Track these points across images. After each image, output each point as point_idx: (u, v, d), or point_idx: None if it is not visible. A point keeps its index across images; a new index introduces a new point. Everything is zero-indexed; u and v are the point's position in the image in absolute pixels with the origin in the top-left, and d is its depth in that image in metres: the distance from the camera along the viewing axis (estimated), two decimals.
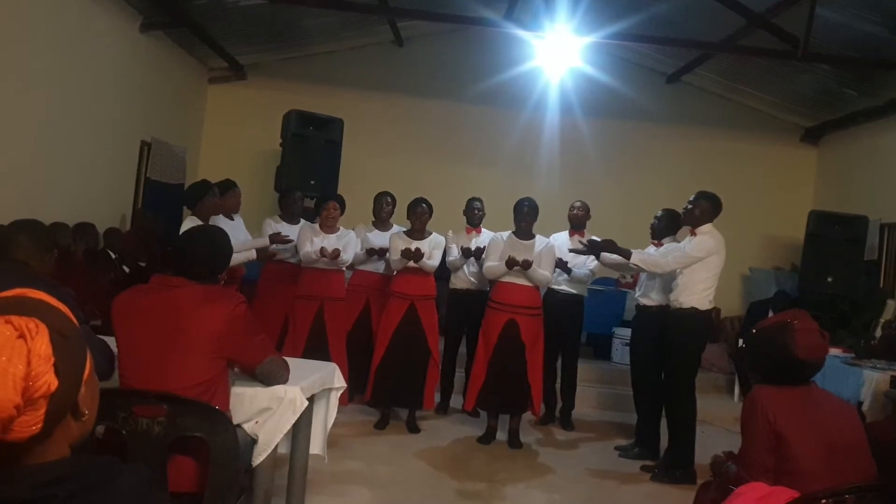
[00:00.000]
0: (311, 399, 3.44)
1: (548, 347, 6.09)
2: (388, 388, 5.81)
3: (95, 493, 1.15)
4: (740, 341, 6.19)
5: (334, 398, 3.62)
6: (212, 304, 2.75)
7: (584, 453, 5.88)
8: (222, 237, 3.01)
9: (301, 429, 3.50)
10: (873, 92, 8.11)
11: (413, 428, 5.87)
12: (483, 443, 5.73)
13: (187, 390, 2.65)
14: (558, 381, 6.60)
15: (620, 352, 7.77)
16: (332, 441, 5.12)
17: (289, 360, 3.33)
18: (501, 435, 5.82)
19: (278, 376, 2.98)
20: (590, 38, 7.48)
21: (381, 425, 5.85)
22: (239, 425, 2.94)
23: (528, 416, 6.02)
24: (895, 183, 8.10)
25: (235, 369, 2.96)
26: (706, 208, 5.33)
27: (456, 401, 6.41)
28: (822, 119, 9.44)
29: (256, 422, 2.98)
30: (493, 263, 5.76)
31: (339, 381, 3.63)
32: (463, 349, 6.57)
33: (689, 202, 5.41)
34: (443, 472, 4.97)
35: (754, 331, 2.97)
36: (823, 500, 2.62)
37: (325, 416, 3.62)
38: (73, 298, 2.68)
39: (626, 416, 6.37)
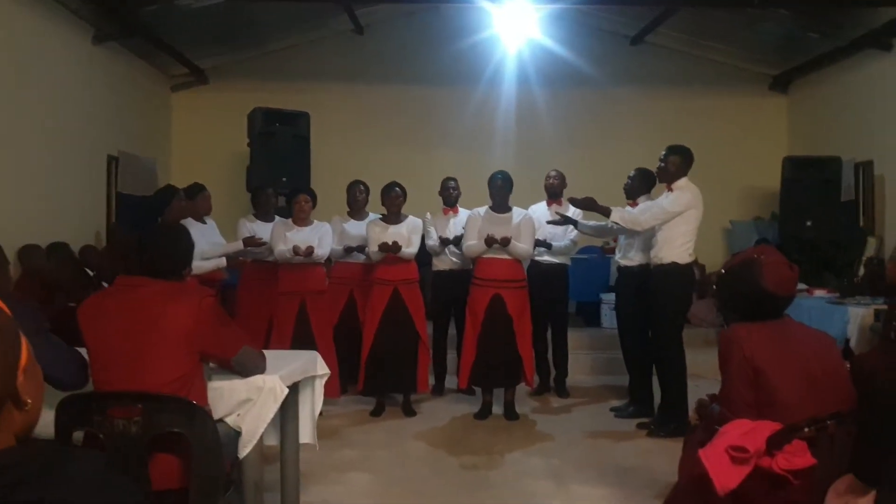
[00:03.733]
0: (295, 388, 3.46)
1: (536, 318, 6.12)
2: (381, 375, 5.81)
3: (43, 480, 1.14)
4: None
5: (319, 386, 3.62)
6: (178, 299, 2.75)
7: (581, 417, 5.91)
8: (182, 234, 3.01)
9: (289, 419, 3.51)
10: (835, 33, 8.12)
11: (409, 412, 5.88)
12: (480, 418, 5.75)
13: (162, 387, 2.65)
14: (550, 350, 6.62)
15: (609, 317, 7.79)
16: (328, 432, 5.20)
17: (268, 351, 3.35)
18: (498, 409, 5.84)
19: (255, 366, 2.98)
20: (549, 7, 7.47)
21: (376, 413, 5.86)
22: (221, 419, 2.95)
23: (523, 387, 6.05)
24: (865, 121, 8.12)
25: (211, 364, 2.96)
26: (678, 162, 5.36)
27: (451, 381, 6.42)
28: (788, 66, 9.44)
29: (238, 414, 2.98)
30: (472, 242, 5.77)
31: (323, 369, 3.63)
32: (453, 330, 6.59)
33: (660, 159, 5.44)
34: (441, 450, 4.99)
35: (723, 270, 2.98)
36: (806, 430, 2.64)
37: (312, 405, 3.61)
38: (33, 308, 2.66)
39: (620, 379, 6.40)
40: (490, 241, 5.59)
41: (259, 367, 3.00)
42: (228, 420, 2.98)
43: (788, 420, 2.65)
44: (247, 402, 2.99)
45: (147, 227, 3.38)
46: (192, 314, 2.73)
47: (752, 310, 2.83)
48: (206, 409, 2.74)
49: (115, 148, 7.82)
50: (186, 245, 2.99)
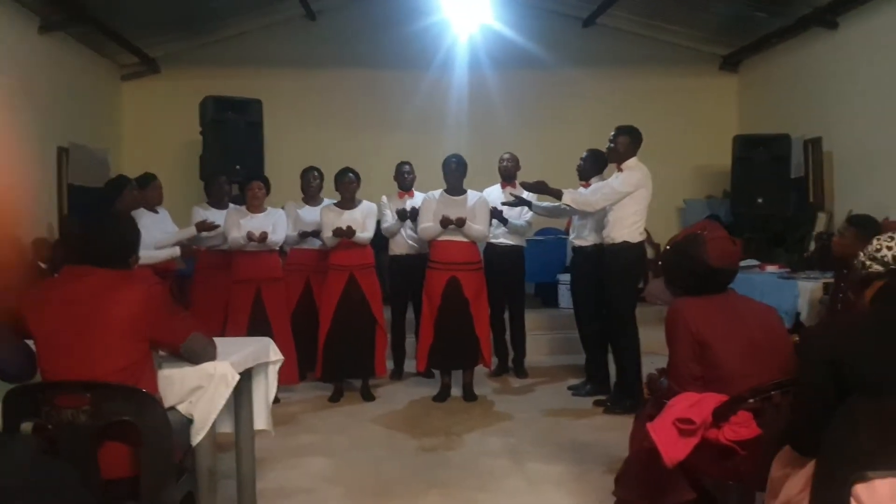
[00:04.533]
0: (249, 375, 3.44)
1: (493, 300, 6.17)
2: (338, 360, 5.81)
3: None
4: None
5: (273, 372, 3.60)
6: (125, 287, 2.72)
7: (539, 396, 5.98)
8: (127, 221, 2.97)
9: (242, 405, 3.49)
10: (782, 11, 8.23)
11: (368, 396, 5.89)
12: (438, 400, 5.78)
13: (110, 376, 2.62)
14: (508, 332, 6.67)
15: (566, 297, 7.86)
16: (285, 418, 5.19)
17: (221, 338, 3.33)
18: (457, 391, 5.88)
19: (205, 353, 2.96)
20: None
21: (335, 398, 5.85)
22: (173, 407, 2.92)
23: (482, 369, 6.10)
24: (813, 99, 8.25)
25: (161, 352, 2.93)
26: (626, 143, 5.42)
27: (410, 366, 6.45)
28: (738, 45, 9.55)
29: (190, 401, 2.96)
30: (427, 224, 5.77)
31: (276, 355, 3.61)
32: (411, 315, 6.61)
33: (610, 139, 5.49)
34: (400, 433, 5.01)
35: (668, 246, 3.03)
36: (751, 401, 2.70)
37: (266, 391, 3.59)
38: None
39: (577, 358, 6.46)
40: (445, 223, 5.61)
41: (209, 354, 2.98)
42: (180, 408, 2.95)
43: (734, 392, 2.71)
44: (198, 390, 2.96)
45: (91, 215, 3.32)
46: (140, 302, 2.71)
47: (696, 284, 2.89)
48: (155, 397, 2.71)
49: (65, 139, 7.66)
50: (132, 232, 2.95)
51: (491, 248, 6.40)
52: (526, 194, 6.08)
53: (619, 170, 5.46)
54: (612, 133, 5.50)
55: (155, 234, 5.48)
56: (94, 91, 8.69)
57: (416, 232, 6.32)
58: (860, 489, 1.96)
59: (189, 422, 2.95)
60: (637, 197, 5.35)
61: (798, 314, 5.79)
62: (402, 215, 6.23)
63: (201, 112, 7.87)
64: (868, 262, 2.34)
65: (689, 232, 2.97)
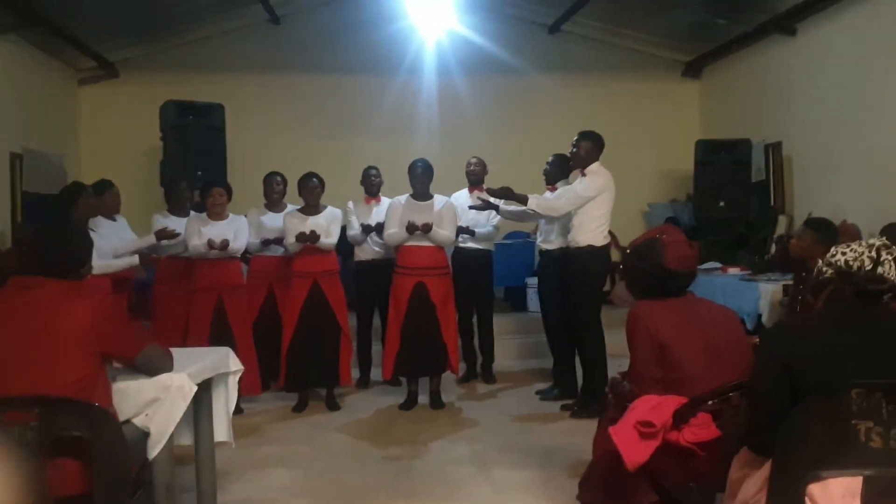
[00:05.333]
0: (207, 385, 3.39)
1: (461, 305, 6.18)
2: (302, 369, 5.74)
3: None
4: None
5: (232, 382, 3.56)
6: (76, 298, 2.67)
7: (507, 402, 5.98)
8: (79, 230, 2.93)
9: (202, 417, 3.44)
10: (742, 18, 8.35)
11: (333, 405, 5.83)
12: (405, 409, 5.74)
13: (62, 390, 2.55)
14: (476, 337, 6.66)
15: (535, 301, 7.83)
16: (248, 429, 5.13)
17: (179, 349, 3.28)
18: (424, 398, 5.84)
19: (160, 364, 2.91)
20: None
21: (299, 408, 5.79)
22: (128, 420, 2.87)
23: (450, 375, 6.07)
24: (773, 104, 8.38)
25: (116, 364, 2.88)
26: (589, 147, 5.46)
27: (376, 374, 6.39)
28: (699, 52, 9.67)
29: (146, 414, 2.90)
30: (393, 230, 5.75)
31: (236, 365, 3.57)
32: (377, 322, 6.57)
33: (573, 144, 5.53)
34: (365, 442, 4.97)
35: (628, 250, 3.05)
36: (710, 402, 2.72)
37: (226, 402, 3.55)
38: None
39: (546, 362, 6.48)
40: (411, 228, 5.59)
41: (165, 366, 2.93)
42: (136, 421, 2.90)
43: (694, 394, 2.73)
44: (154, 402, 2.91)
45: (42, 223, 3.26)
46: (91, 313, 2.65)
47: (656, 287, 2.90)
48: (108, 411, 2.65)
49: (18, 145, 7.52)
50: (83, 241, 2.89)
51: (459, 252, 6.40)
52: (493, 200, 6.09)
53: (583, 174, 5.50)
54: (575, 138, 5.54)
55: (113, 242, 5.39)
56: (50, 96, 8.55)
57: (382, 238, 6.30)
58: (814, 488, 1.99)
59: (145, 435, 2.89)
60: (600, 201, 5.38)
61: (759, 316, 5.85)
62: (368, 230, 6.23)
63: (162, 117, 7.77)
64: (825, 269, 2.37)
65: (647, 236, 2.99)
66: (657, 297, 2.89)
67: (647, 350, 2.81)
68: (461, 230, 6.16)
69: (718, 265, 7.09)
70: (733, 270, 6.85)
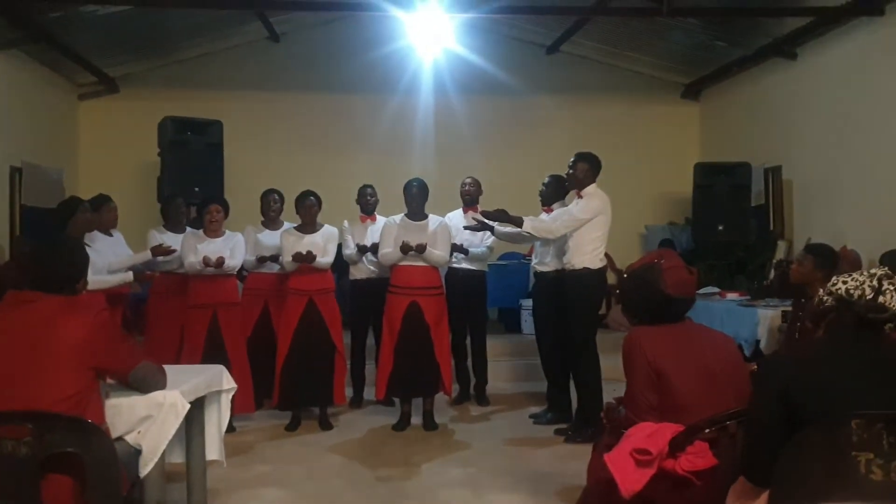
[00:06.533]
0: (200, 403, 3.39)
1: (455, 326, 6.17)
2: (296, 388, 5.73)
3: None
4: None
5: (225, 400, 3.58)
6: (71, 314, 2.68)
7: (500, 425, 5.96)
8: (76, 245, 2.94)
9: (194, 435, 3.45)
10: (742, 42, 8.42)
11: (326, 425, 5.81)
12: (398, 429, 5.73)
13: (55, 405, 2.56)
14: (469, 358, 6.66)
15: (529, 323, 7.84)
16: (241, 448, 5.11)
17: (172, 366, 3.28)
18: (417, 419, 5.83)
19: (154, 381, 2.92)
20: (462, 16, 7.54)
21: (292, 427, 5.77)
22: (120, 437, 2.89)
23: (444, 397, 6.06)
24: (773, 128, 8.43)
25: (108, 380, 2.88)
26: (585, 169, 5.47)
27: (369, 393, 6.38)
28: (699, 74, 9.73)
29: (139, 431, 2.92)
30: (387, 250, 5.76)
31: (229, 383, 3.59)
32: (372, 341, 6.56)
33: (569, 166, 5.55)
34: (357, 463, 4.95)
35: (625, 275, 3.05)
36: (707, 430, 2.72)
37: (219, 420, 3.57)
38: None
39: (540, 385, 6.45)
40: (405, 249, 5.60)
41: (159, 383, 2.94)
42: (128, 438, 2.92)
43: (690, 421, 2.72)
44: (147, 419, 2.93)
45: (39, 238, 3.28)
46: (87, 328, 2.67)
47: (653, 313, 2.91)
48: (101, 427, 2.66)
49: (18, 159, 7.54)
50: (79, 257, 2.90)
51: (453, 272, 6.40)
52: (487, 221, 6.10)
53: (579, 196, 5.51)
54: (572, 159, 5.56)
55: (108, 257, 5.40)
56: (49, 110, 8.59)
57: (376, 256, 6.31)
58: None
59: (137, 452, 2.91)
60: (597, 223, 5.39)
61: (758, 342, 5.86)
62: (363, 250, 6.25)
63: (160, 133, 7.81)
64: (825, 297, 2.38)
65: (645, 261, 3.00)
66: (654, 323, 2.90)
67: (644, 376, 2.81)
68: (455, 248, 6.17)
69: (717, 290, 7.11)
70: (731, 295, 6.87)
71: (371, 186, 6.59)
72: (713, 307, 6.55)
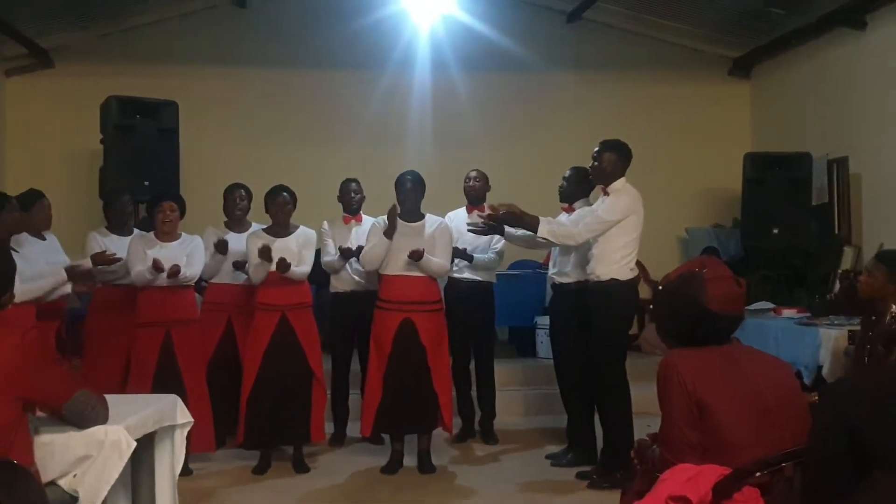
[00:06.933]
0: (150, 441, 3.40)
1: (456, 348, 6.19)
2: (265, 422, 5.73)
3: None
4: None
5: (180, 437, 3.59)
6: None
7: (511, 467, 5.97)
8: (1, 252, 2.92)
9: (142, 479, 3.46)
10: (802, 8, 8.43)
11: (301, 467, 5.82)
12: (388, 472, 5.73)
13: None
14: (473, 387, 6.66)
15: (545, 345, 7.86)
16: (200, 495, 5.12)
17: (116, 396, 3.28)
18: (410, 460, 5.83)
19: (94, 415, 2.93)
20: None
21: (260, 469, 5.77)
22: (53, 482, 2.89)
23: (442, 433, 6.06)
24: (839, 112, 8.43)
25: (38, 413, 2.89)
26: (613, 160, 5.46)
27: (354, 429, 6.38)
28: (750, 47, 9.76)
29: (74, 475, 2.93)
30: (371, 244, 5.79)
31: (185, 416, 3.60)
32: (356, 365, 6.57)
33: (593, 157, 5.54)
34: None
35: (660, 287, 3.05)
36: (757, 474, 2.71)
37: (172, 462, 3.57)
38: None
39: (558, 420, 6.48)
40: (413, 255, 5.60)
41: (99, 416, 2.95)
42: (62, 482, 2.93)
43: (738, 463, 2.72)
44: (85, 460, 2.94)
45: None
46: (12, 351, 2.67)
47: (693, 333, 2.90)
48: (28, 470, 2.67)
49: None
50: (4, 265, 2.90)
51: (453, 283, 6.41)
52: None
53: (605, 193, 5.51)
54: (596, 149, 5.55)
55: (40, 265, 5.38)
56: None
57: (361, 264, 6.32)
58: None
59: (74, 499, 2.92)
60: (626, 226, 5.38)
61: (820, 367, 5.86)
62: (348, 254, 6.25)
63: (103, 115, 7.82)
64: None
65: (684, 270, 2.99)
66: (695, 345, 2.89)
67: (683, 409, 2.80)
68: (457, 253, 6.17)
69: (770, 306, 7.10)
70: (788, 312, 6.86)
71: (356, 181, 6.61)
72: (766, 326, 6.55)
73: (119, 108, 7.75)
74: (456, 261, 6.24)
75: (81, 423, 2.91)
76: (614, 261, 5.35)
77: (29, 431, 2.79)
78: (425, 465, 5.77)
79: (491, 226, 5.86)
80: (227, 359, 6.06)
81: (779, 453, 2.69)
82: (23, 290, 4.44)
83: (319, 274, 6.43)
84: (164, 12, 9.35)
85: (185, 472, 4.13)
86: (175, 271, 5.53)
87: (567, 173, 6.11)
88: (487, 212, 5.94)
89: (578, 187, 6.00)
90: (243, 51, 9.47)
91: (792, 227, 8.10)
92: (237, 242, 6.08)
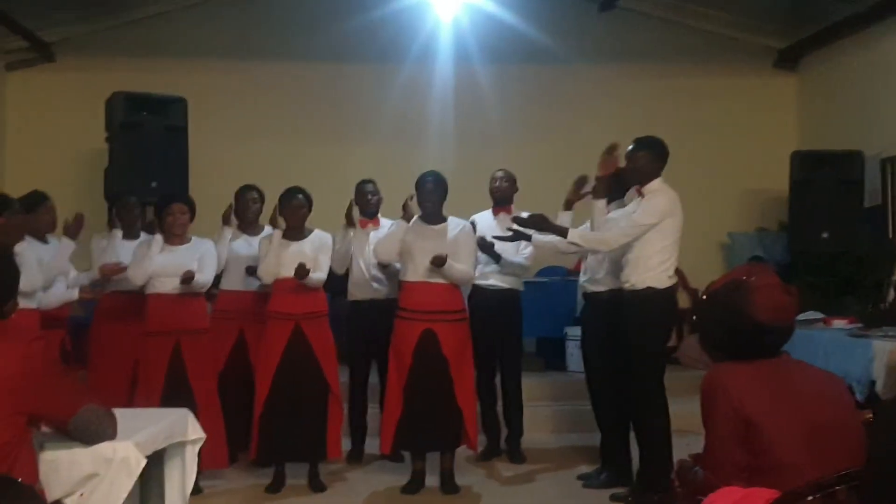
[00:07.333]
0: (160, 458, 3.42)
1: (480, 361, 6.18)
2: (279, 438, 5.76)
3: None
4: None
5: (191, 454, 3.60)
6: None
7: (540, 488, 5.96)
8: (4, 257, 2.95)
9: (151, 498, 3.47)
10: None
11: (317, 486, 5.84)
12: (409, 492, 5.74)
13: None
14: (499, 402, 6.65)
15: (576, 357, 7.85)
16: None
17: (124, 410, 3.30)
18: (433, 480, 5.84)
19: (101, 430, 2.94)
20: None
21: (274, 487, 5.80)
22: (58, 501, 2.90)
23: (466, 451, 6.07)
24: (893, 106, 8.35)
25: (43, 428, 2.91)
26: (648, 159, 5.44)
27: (372, 446, 6.40)
28: (797, 37, 9.70)
29: (81, 494, 2.94)
30: (385, 237, 5.88)
31: (196, 432, 3.61)
32: (375, 379, 6.59)
33: (627, 156, 5.52)
34: None
35: (704, 296, 3.04)
36: (810, 497, 2.70)
37: (183, 479, 3.58)
38: None
39: (590, 437, 6.47)
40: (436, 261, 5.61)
41: (107, 432, 2.96)
42: (68, 501, 2.94)
43: (788, 485, 2.70)
44: (93, 478, 2.95)
45: None
46: (16, 363, 2.69)
47: (739, 345, 2.89)
48: (33, 488, 2.67)
49: None
50: (8, 272, 2.93)
51: (478, 291, 6.42)
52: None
53: (640, 194, 5.49)
54: (630, 147, 5.53)
55: (46, 271, 5.43)
56: None
57: (381, 272, 6.33)
58: None
59: None
60: (664, 229, 5.35)
61: (873, 382, 5.81)
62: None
63: (108, 113, 7.88)
64: None
65: (730, 278, 2.98)
66: (742, 358, 2.88)
67: (729, 427, 2.79)
68: (483, 247, 6.17)
69: (819, 315, 7.04)
70: (839, 323, 6.80)
71: (372, 182, 6.63)
72: (815, 337, 6.49)
73: (125, 105, 7.81)
74: (480, 266, 6.23)
75: (88, 438, 2.92)
76: (650, 267, 5.32)
77: (33, 447, 2.81)
78: (448, 486, 5.78)
79: (518, 233, 5.86)
80: (239, 370, 6.11)
81: (832, 475, 2.68)
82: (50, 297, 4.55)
83: (335, 281, 6.45)
84: (170, 3, 9.41)
85: (195, 490, 4.14)
86: (188, 277, 5.56)
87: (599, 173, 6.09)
88: (512, 219, 5.94)
89: (613, 189, 5.98)
90: (255, 44, 9.50)
91: (842, 230, 8.04)
92: (250, 247, 6.11)
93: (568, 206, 6.03)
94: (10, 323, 2.89)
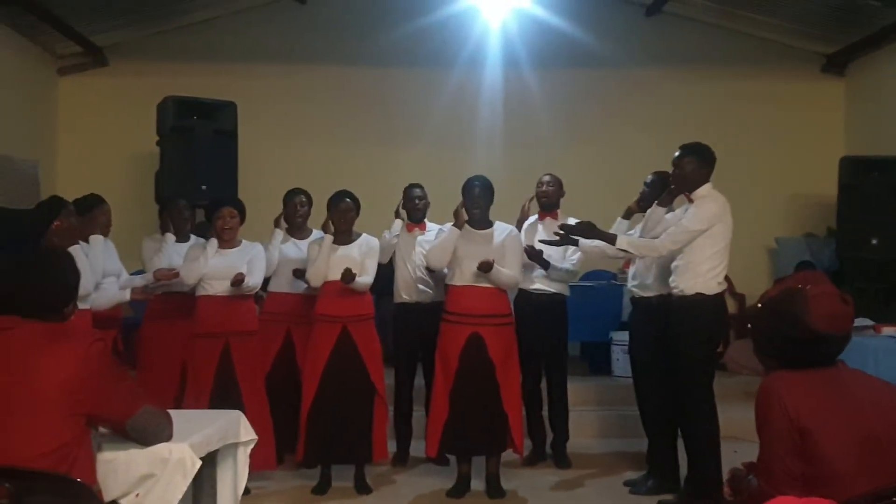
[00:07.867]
0: (212, 459, 3.43)
1: (526, 365, 6.16)
2: (326, 440, 5.77)
3: None
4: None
5: (243, 455, 3.61)
6: (58, 345, 2.72)
7: (586, 494, 5.93)
8: (65, 260, 2.97)
9: (204, 498, 3.48)
10: None
11: (363, 488, 5.85)
12: (454, 496, 5.73)
13: (36, 461, 2.60)
14: (545, 407, 6.63)
15: (622, 361, 7.81)
16: None
17: (178, 412, 3.32)
18: (478, 483, 5.82)
19: (158, 431, 2.95)
20: None
21: (321, 489, 5.81)
22: (115, 501, 2.92)
23: (512, 456, 6.04)
24: None
25: (101, 429, 2.93)
26: (695, 165, 5.38)
27: (418, 449, 6.39)
28: (845, 42, 9.63)
29: (137, 494, 2.95)
30: (437, 242, 5.83)
31: (248, 434, 3.63)
32: (420, 381, 6.59)
33: (673, 162, 5.47)
34: None
35: (759, 304, 3.00)
36: None
37: (234, 480, 3.60)
38: None
39: (636, 443, 6.44)
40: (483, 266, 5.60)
41: (163, 433, 2.97)
42: (124, 501, 2.95)
43: (845, 495, 2.67)
44: (148, 479, 2.96)
45: (15, 249, 3.35)
46: (78, 363, 2.70)
47: (795, 354, 2.85)
48: (91, 488, 2.70)
49: None
50: (70, 275, 2.95)
51: (524, 296, 6.39)
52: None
53: (689, 200, 5.45)
54: (677, 153, 5.48)
55: (99, 273, 5.48)
56: (22, 87, 8.82)
57: (428, 275, 6.32)
58: None
59: None
60: (714, 235, 5.30)
61: None
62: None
63: (159, 117, 7.97)
64: None
65: (786, 286, 2.94)
66: (798, 367, 2.84)
67: (784, 437, 2.76)
68: (531, 254, 6.14)
69: (869, 322, 6.94)
70: (888, 330, 6.71)
71: (420, 186, 6.63)
72: (865, 344, 6.39)
73: (176, 109, 7.90)
74: (528, 270, 6.22)
75: (145, 440, 2.94)
76: (700, 273, 5.27)
77: (92, 448, 2.82)
78: (494, 490, 5.75)
79: (565, 237, 5.83)
80: (286, 372, 6.12)
81: (890, 486, 2.64)
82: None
83: (382, 284, 6.46)
84: (220, 9, 9.50)
85: (244, 491, 4.16)
86: (238, 280, 5.60)
87: (648, 178, 6.05)
88: (560, 223, 5.92)
89: (661, 194, 5.94)
90: (304, 48, 9.58)
91: (892, 236, 7.96)
92: (298, 251, 6.14)
93: (628, 214, 6.00)
94: (70, 325, 2.91)
